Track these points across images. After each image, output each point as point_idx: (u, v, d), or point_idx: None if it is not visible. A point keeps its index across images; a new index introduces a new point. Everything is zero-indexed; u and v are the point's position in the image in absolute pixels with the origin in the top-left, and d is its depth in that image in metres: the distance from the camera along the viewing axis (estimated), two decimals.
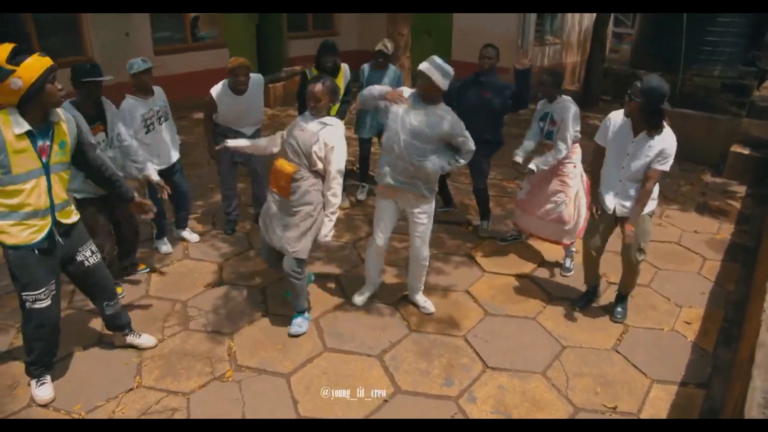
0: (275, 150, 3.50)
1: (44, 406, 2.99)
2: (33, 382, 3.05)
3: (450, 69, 3.25)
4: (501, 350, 3.40)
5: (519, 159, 4.24)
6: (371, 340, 3.49)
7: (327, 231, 3.36)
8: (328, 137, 3.22)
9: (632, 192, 3.34)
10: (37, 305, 2.88)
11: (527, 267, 4.38)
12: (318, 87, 3.23)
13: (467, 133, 3.36)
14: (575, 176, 4.11)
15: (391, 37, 5.05)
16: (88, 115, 3.49)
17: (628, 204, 3.37)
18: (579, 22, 10.38)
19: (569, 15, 10.07)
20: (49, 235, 2.79)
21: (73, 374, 3.22)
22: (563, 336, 3.54)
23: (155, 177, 3.86)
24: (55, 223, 2.81)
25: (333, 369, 3.25)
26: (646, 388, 3.12)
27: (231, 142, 3.65)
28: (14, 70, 2.44)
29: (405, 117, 3.30)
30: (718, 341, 3.51)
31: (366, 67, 5.12)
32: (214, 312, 3.79)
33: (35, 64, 2.49)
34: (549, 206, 4.16)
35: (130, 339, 3.42)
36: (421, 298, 3.82)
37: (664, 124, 3.18)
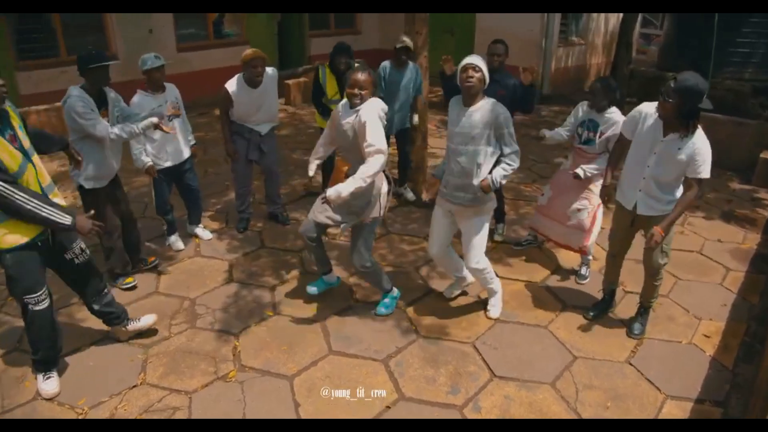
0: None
1: (50, 399, 3.02)
2: (39, 376, 3.09)
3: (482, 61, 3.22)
4: (510, 359, 3.32)
5: (545, 134, 4.13)
6: (378, 344, 3.44)
7: (345, 189, 3.06)
8: (363, 115, 3.15)
9: (658, 193, 3.16)
10: (39, 307, 2.93)
11: (542, 273, 4.28)
12: (364, 76, 3.15)
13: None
14: (599, 183, 3.99)
15: (407, 35, 4.97)
16: (94, 98, 3.53)
17: (652, 203, 3.19)
18: (605, 23, 10.15)
19: (595, 15, 9.86)
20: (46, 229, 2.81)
21: (79, 369, 3.25)
22: (575, 346, 3.44)
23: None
24: None
25: (337, 372, 3.20)
26: (659, 403, 3.00)
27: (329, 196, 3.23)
28: None
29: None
30: (739, 357, 3.36)
31: (387, 65, 4.98)
32: (222, 310, 3.78)
33: None
34: (570, 212, 4.04)
35: (132, 326, 3.43)
36: (490, 302, 3.78)
37: (697, 126, 3.00)
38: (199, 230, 4.76)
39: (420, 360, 3.31)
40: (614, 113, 3.83)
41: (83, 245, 3.11)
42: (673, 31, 8.84)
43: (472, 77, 3.14)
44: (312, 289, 3.74)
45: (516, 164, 3.29)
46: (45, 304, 2.94)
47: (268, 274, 4.22)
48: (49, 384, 3.07)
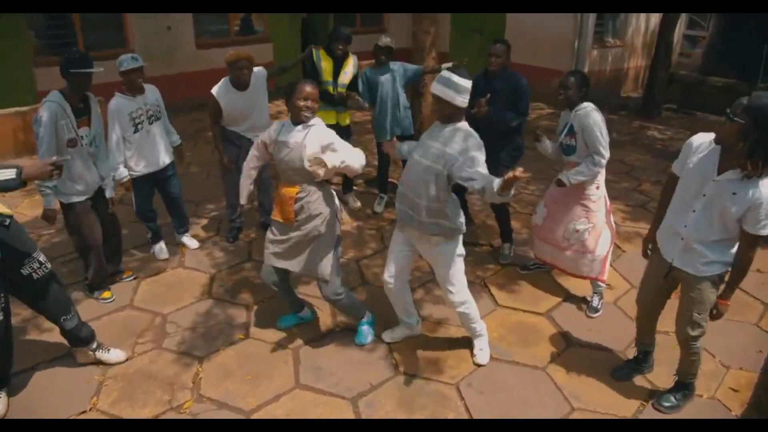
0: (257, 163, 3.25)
1: None
2: (101, 352, 3.13)
3: (464, 82, 2.69)
4: (496, 406, 2.91)
5: (542, 142, 3.70)
6: (350, 379, 3.09)
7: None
8: (319, 136, 2.89)
9: (702, 247, 2.51)
10: None
11: (548, 303, 3.83)
12: (313, 88, 2.88)
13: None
14: (599, 198, 3.53)
15: (415, 35, 4.62)
16: (76, 107, 3.33)
17: (693, 258, 2.55)
18: (645, 23, 9.45)
19: (633, 15, 9.20)
20: None
21: (32, 389, 3.05)
22: (574, 394, 3.00)
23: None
24: None
25: (299, 411, 2.87)
26: None
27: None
28: None
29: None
30: None
31: (366, 70, 4.76)
32: (191, 330, 3.52)
33: None
34: (569, 234, 3.60)
35: (99, 354, 3.20)
36: (475, 345, 3.29)
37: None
38: (186, 239, 4.52)
39: (394, 402, 2.94)
40: (587, 106, 3.37)
41: (42, 258, 2.85)
42: (719, 33, 8.17)
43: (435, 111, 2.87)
44: (281, 325, 3.49)
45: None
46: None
47: (247, 291, 3.93)
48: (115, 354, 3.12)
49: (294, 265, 3.10)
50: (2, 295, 2.70)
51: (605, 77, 9.11)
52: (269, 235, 3.15)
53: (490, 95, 3.77)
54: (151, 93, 3.95)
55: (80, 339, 3.12)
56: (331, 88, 4.62)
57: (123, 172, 3.83)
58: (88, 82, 3.34)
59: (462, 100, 2.70)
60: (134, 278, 4.06)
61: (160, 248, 4.35)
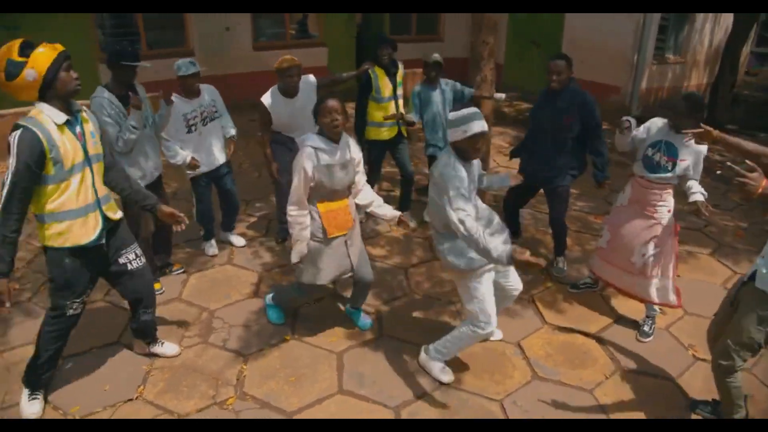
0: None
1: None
2: (25, 393, 2.89)
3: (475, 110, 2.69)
4: None
5: (629, 122, 3.50)
6: (393, 388, 3.07)
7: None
8: (352, 145, 3.10)
9: None
10: (72, 313, 2.79)
11: (598, 324, 3.72)
12: (337, 102, 2.89)
13: None
14: (669, 223, 3.39)
15: (473, 46, 4.56)
16: (121, 96, 3.41)
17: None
18: (710, 38, 9.11)
19: (697, 29, 8.86)
20: (101, 233, 2.70)
21: (81, 373, 3.15)
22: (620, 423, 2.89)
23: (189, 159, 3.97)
24: (104, 218, 2.72)
25: (340, 415, 2.88)
26: None
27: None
28: (26, 62, 2.36)
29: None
30: None
31: (418, 87, 4.76)
32: (238, 327, 3.57)
33: (45, 54, 2.40)
34: (636, 257, 3.46)
35: (154, 349, 3.28)
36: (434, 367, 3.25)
37: None
38: (233, 237, 4.60)
39: (436, 414, 2.91)
40: (693, 143, 3.21)
41: (139, 251, 2.98)
42: None
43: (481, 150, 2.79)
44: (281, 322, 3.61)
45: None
46: (79, 309, 2.82)
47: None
48: (34, 406, 2.86)
49: (354, 264, 3.27)
50: (89, 290, 2.82)
51: (663, 95, 8.83)
52: (323, 252, 3.14)
53: (568, 117, 3.76)
54: (208, 94, 4.06)
55: (147, 333, 3.21)
56: (392, 105, 4.65)
57: (184, 153, 3.93)
58: (133, 76, 3.44)
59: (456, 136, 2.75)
60: (183, 272, 4.16)
61: (211, 245, 4.44)
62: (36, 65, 2.37)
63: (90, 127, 2.65)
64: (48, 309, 2.81)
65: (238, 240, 4.60)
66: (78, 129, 2.57)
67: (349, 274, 3.30)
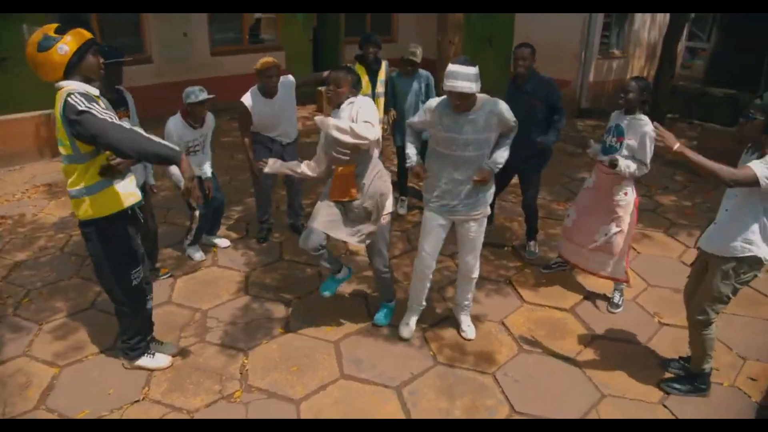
0: (312, 174, 3.39)
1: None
2: (144, 358, 3.20)
3: (473, 70, 2.88)
4: (532, 394, 3.08)
5: (592, 148, 3.83)
6: (392, 370, 3.25)
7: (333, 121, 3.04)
8: (356, 108, 3.11)
9: (734, 228, 2.75)
10: (140, 280, 2.98)
11: (571, 299, 4.01)
12: (340, 72, 3.11)
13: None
14: (627, 204, 3.70)
15: (439, 45, 4.80)
16: (110, 99, 3.42)
17: (723, 240, 2.78)
18: (648, 34, 9.74)
19: (637, 26, 9.46)
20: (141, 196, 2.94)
21: (82, 380, 3.17)
22: (603, 383, 3.17)
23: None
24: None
25: (346, 399, 3.03)
26: None
27: (270, 168, 3.46)
28: (60, 38, 2.53)
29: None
30: None
31: (394, 74, 4.95)
32: (233, 325, 3.66)
33: (79, 34, 2.58)
34: (598, 236, 3.77)
35: (142, 362, 3.25)
36: (465, 320, 3.60)
37: None
38: (217, 240, 4.67)
39: (435, 390, 3.10)
40: (643, 119, 3.48)
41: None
42: (720, 45, 8.43)
43: (459, 105, 2.98)
44: (327, 293, 3.53)
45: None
46: (142, 275, 3.02)
47: (283, 288, 4.08)
48: (159, 359, 3.23)
49: (349, 235, 3.26)
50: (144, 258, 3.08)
51: (609, 87, 9.37)
52: (324, 206, 3.26)
53: (536, 100, 3.99)
54: (207, 125, 4.16)
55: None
56: None
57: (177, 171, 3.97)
58: (120, 73, 3.49)
59: (479, 86, 2.92)
60: (170, 276, 4.20)
61: (197, 249, 4.48)
62: (69, 43, 2.53)
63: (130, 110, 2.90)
64: (110, 295, 3.03)
65: (221, 241, 4.66)
66: (122, 109, 2.83)
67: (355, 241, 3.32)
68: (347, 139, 2.98)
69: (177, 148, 2.59)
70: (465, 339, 3.52)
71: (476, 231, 3.28)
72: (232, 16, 9.16)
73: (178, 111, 4.05)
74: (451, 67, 2.89)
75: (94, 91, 2.63)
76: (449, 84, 2.87)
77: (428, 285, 3.51)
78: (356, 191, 3.19)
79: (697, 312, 2.93)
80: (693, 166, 2.58)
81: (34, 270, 4.32)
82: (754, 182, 2.52)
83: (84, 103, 2.47)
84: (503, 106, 3.06)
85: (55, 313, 3.76)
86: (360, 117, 3.04)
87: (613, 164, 3.46)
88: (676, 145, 2.56)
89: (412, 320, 3.57)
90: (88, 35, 2.61)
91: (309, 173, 3.39)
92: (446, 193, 3.17)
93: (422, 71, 4.90)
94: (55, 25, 2.56)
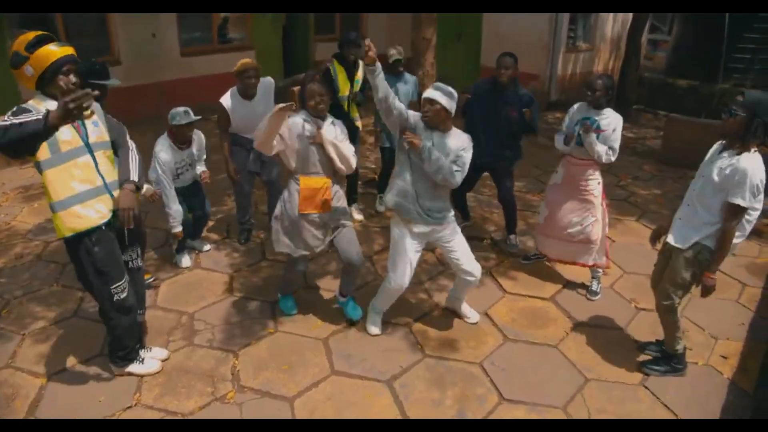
0: (270, 151, 3.22)
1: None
2: (134, 365, 3.19)
3: (455, 92, 3.08)
4: (519, 381, 3.18)
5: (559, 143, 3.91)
6: (382, 364, 3.31)
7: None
8: (340, 131, 3.33)
9: (695, 222, 2.92)
10: (123, 295, 2.92)
11: (551, 289, 4.14)
12: (318, 86, 3.19)
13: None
14: (599, 194, 3.84)
15: (413, 42, 4.86)
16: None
17: (686, 233, 2.95)
18: (612, 28, 10.00)
19: (602, 19, 9.71)
20: (113, 215, 2.83)
21: (72, 388, 3.13)
22: (587, 367, 3.30)
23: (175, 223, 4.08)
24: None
25: (339, 395, 3.08)
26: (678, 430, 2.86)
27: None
28: (28, 58, 2.48)
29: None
30: (760, 381, 3.22)
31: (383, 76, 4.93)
32: (221, 326, 3.67)
33: (48, 55, 2.51)
34: (574, 228, 3.90)
35: (132, 368, 3.23)
36: (465, 307, 3.73)
37: (754, 147, 2.72)
38: (198, 243, 4.65)
39: (425, 381, 3.18)
40: (613, 112, 3.70)
41: (138, 250, 3.15)
42: (681, 37, 8.72)
43: (427, 111, 3.07)
44: (292, 312, 3.75)
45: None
46: (126, 292, 2.95)
47: (268, 288, 4.10)
48: (149, 364, 3.22)
49: (325, 244, 3.47)
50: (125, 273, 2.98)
51: (577, 79, 9.59)
52: (306, 226, 3.34)
53: (513, 110, 4.12)
54: (196, 143, 4.15)
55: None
56: (345, 104, 4.75)
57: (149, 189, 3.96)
58: (105, 95, 3.39)
59: (453, 107, 3.09)
60: (154, 280, 4.17)
61: (183, 256, 4.43)
62: (35, 64, 2.50)
63: (93, 118, 2.72)
64: (100, 310, 3.02)
65: (202, 244, 4.65)
66: (77, 123, 2.64)
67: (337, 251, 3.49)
68: (337, 164, 3.23)
69: (40, 117, 2.25)
70: (470, 323, 3.66)
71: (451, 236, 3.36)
72: (200, 15, 9.05)
73: (157, 129, 4.04)
74: (435, 83, 3.10)
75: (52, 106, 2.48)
76: (427, 92, 3.09)
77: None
78: (330, 203, 3.34)
79: (663, 297, 3.09)
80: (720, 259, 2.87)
81: (11, 278, 4.24)
82: (741, 213, 2.78)
83: (8, 115, 2.42)
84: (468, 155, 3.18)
85: (38, 321, 3.70)
86: (347, 146, 3.29)
87: (587, 132, 3.65)
88: (712, 283, 2.90)
89: (379, 319, 3.64)
90: (60, 54, 2.52)
91: (274, 143, 3.17)
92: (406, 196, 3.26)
93: (408, 75, 4.94)
94: (31, 37, 2.48)
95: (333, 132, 3.29)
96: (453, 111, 3.09)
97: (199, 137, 4.21)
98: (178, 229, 4.05)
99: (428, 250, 4.54)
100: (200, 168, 4.30)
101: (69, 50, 2.57)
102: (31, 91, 2.65)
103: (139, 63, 8.32)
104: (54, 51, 2.52)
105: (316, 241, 3.41)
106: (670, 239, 3.04)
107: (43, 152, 2.57)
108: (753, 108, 2.68)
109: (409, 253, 3.32)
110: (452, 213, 3.36)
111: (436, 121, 3.09)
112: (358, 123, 4.98)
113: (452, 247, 3.36)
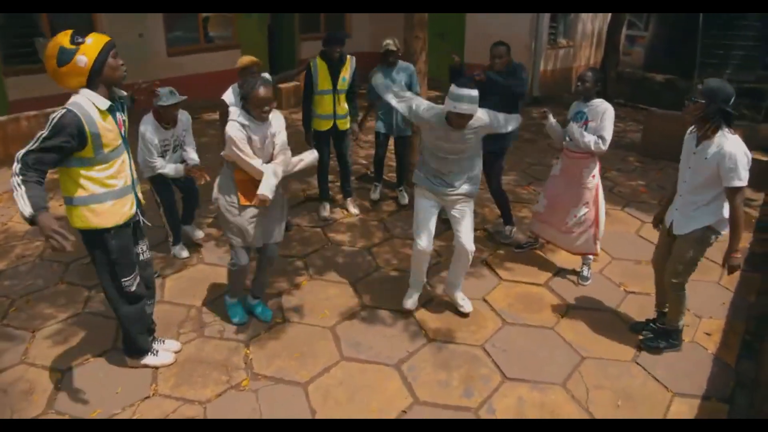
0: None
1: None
2: (148, 357, 3.28)
3: (475, 92, 3.20)
4: (520, 361, 3.37)
5: (550, 119, 4.08)
6: (389, 350, 3.47)
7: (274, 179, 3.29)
8: (275, 123, 3.35)
9: (692, 210, 3.13)
10: (134, 287, 3.01)
11: (544, 275, 4.34)
12: (269, 90, 3.15)
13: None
14: (593, 187, 4.05)
15: (407, 41, 5.01)
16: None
17: (687, 222, 3.15)
18: (591, 24, 10.28)
19: (582, 16, 9.98)
20: (137, 212, 2.95)
21: (89, 382, 3.21)
22: (582, 347, 3.50)
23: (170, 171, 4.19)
24: (137, 200, 2.96)
25: (350, 379, 3.22)
26: (668, 401, 3.08)
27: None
28: (78, 49, 2.52)
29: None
30: (741, 354, 3.46)
31: (378, 68, 5.01)
32: (229, 318, 3.77)
33: (95, 41, 2.58)
34: (573, 221, 4.10)
35: (147, 360, 3.33)
36: (460, 296, 3.84)
37: (726, 131, 2.95)
38: (190, 228, 4.73)
39: (432, 364, 3.34)
40: (601, 102, 3.86)
41: (147, 243, 3.23)
42: (658, 33, 9.01)
43: (456, 122, 3.27)
44: (242, 320, 3.74)
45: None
46: (137, 282, 3.03)
47: (274, 281, 4.22)
48: (163, 356, 3.32)
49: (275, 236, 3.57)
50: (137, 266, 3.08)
51: (557, 75, 9.84)
52: (254, 220, 3.39)
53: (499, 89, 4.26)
54: (182, 123, 4.23)
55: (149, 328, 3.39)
56: (330, 98, 4.81)
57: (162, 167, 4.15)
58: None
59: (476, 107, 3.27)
60: (158, 276, 4.25)
61: (182, 248, 4.54)
62: (87, 52, 2.54)
63: (125, 115, 2.85)
64: (108, 298, 3.08)
65: (196, 232, 4.75)
66: (119, 116, 2.75)
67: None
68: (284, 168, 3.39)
69: (29, 212, 2.35)
70: (463, 313, 3.78)
71: (462, 209, 3.59)
72: (187, 15, 9.07)
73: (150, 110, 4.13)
74: (457, 90, 3.17)
75: (103, 105, 2.61)
76: (454, 105, 3.18)
77: (428, 263, 3.82)
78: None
79: (672, 276, 3.29)
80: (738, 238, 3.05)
81: (14, 279, 4.28)
82: (742, 191, 2.96)
83: (49, 126, 2.50)
84: (493, 117, 3.43)
85: (47, 319, 3.76)
86: (283, 138, 3.39)
87: (544, 115, 3.97)
88: (738, 261, 3.08)
89: (416, 295, 3.84)
90: (105, 39, 2.60)
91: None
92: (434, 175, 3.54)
93: (403, 63, 5.02)
94: (68, 35, 2.53)
95: (278, 124, 3.36)
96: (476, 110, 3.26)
97: (185, 117, 4.28)
98: (165, 170, 4.14)
99: None
100: (192, 156, 4.36)
101: (107, 37, 2.64)
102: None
103: (126, 63, 8.25)
104: (101, 35, 2.61)
105: (255, 231, 3.42)
106: (673, 229, 3.23)
107: (88, 150, 2.62)
108: (710, 94, 2.92)
109: (426, 212, 3.57)
110: (476, 193, 3.60)
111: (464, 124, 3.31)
112: (346, 122, 5.01)
113: (460, 216, 3.57)
